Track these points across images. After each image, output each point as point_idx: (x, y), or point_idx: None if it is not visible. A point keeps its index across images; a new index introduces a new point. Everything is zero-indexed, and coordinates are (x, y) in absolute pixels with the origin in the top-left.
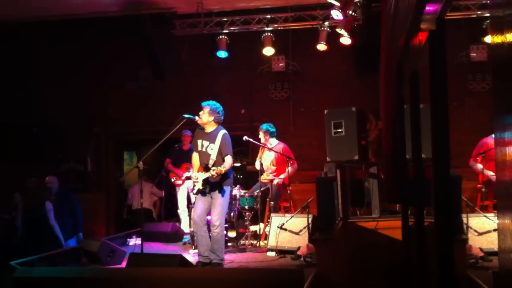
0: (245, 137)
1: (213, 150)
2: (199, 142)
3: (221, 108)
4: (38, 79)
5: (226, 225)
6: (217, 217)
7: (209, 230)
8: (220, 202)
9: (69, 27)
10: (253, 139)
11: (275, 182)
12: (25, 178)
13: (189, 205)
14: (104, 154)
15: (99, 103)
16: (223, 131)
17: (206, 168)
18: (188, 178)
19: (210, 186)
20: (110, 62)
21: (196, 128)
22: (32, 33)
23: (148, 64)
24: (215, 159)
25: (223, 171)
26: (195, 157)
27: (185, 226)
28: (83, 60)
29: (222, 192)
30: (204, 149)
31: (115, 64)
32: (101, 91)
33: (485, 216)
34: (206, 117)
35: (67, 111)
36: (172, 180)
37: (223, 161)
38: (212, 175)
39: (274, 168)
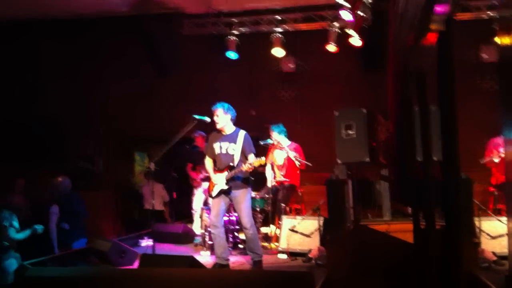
0: (261, 142)
1: (235, 150)
2: (217, 145)
3: (231, 106)
4: (38, 74)
5: (238, 227)
6: (248, 219)
7: (227, 231)
8: (246, 205)
9: (72, 24)
10: (262, 139)
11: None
12: (27, 177)
13: (203, 206)
14: (112, 153)
15: (104, 101)
16: (243, 131)
17: (230, 168)
18: (204, 179)
19: (233, 188)
20: (114, 60)
21: (212, 130)
22: (33, 29)
23: (152, 62)
24: (239, 158)
25: (257, 165)
26: (209, 162)
27: (196, 227)
28: (86, 57)
29: (245, 193)
30: (224, 151)
31: (119, 62)
32: (106, 89)
33: (498, 220)
34: (223, 119)
35: (70, 109)
36: (190, 181)
37: (247, 160)
38: (248, 169)
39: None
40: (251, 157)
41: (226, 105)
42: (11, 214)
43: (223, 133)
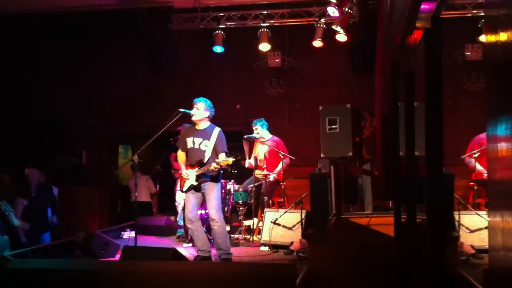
0: (245, 136)
1: (207, 146)
2: (189, 139)
3: (213, 105)
4: (38, 75)
5: None
6: (215, 211)
7: (203, 224)
8: (214, 196)
9: (68, 23)
10: (249, 134)
11: (271, 177)
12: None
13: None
14: (99, 147)
15: (97, 97)
16: (218, 128)
17: (200, 164)
18: None
19: (202, 182)
20: (108, 57)
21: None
22: (32, 30)
23: (146, 59)
24: (210, 155)
25: (224, 165)
26: (182, 155)
27: (180, 219)
28: (82, 56)
29: (214, 185)
30: (196, 146)
31: (113, 60)
32: (99, 86)
33: (477, 214)
34: (201, 114)
35: (65, 106)
36: (173, 172)
37: (217, 157)
38: (215, 168)
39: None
40: (222, 156)
41: (209, 102)
42: (7, 203)
43: (197, 128)
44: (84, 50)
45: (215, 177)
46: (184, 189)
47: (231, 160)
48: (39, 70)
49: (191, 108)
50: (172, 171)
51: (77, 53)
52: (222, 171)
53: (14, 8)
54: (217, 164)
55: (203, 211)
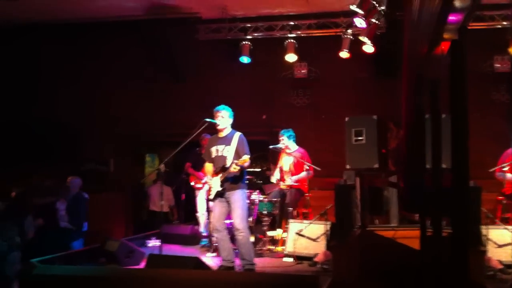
0: (270, 146)
1: (229, 152)
2: (213, 149)
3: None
4: (38, 76)
5: None
6: (239, 220)
7: (230, 234)
8: (239, 205)
9: (76, 28)
10: (273, 144)
11: (288, 181)
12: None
13: (208, 208)
14: (124, 156)
15: (119, 104)
16: (238, 133)
17: (223, 169)
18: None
19: (227, 190)
20: (130, 63)
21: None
22: (37, 31)
23: (168, 67)
24: (232, 160)
25: (244, 164)
26: (209, 166)
27: (203, 229)
28: (102, 61)
29: (239, 195)
30: (219, 154)
31: (136, 66)
32: (121, 93)
33: (506, 228)
34: (226, 122)
35: (84, 112)
36: (192, 183)
37: None
38: (235, 169)
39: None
40: (245, 157)
41: (230, 109)
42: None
43: (220, 136)
44: (104, 53)
45: (237, 179)
46: (211, 197)
47: (247, 157)
48: (55, 72)
49: (211, 116)
50: (193, 183)
51: (95, 57)
52: (247, 181)
53: (36, 17)
54: (236, 165)
55: (227, 221)
